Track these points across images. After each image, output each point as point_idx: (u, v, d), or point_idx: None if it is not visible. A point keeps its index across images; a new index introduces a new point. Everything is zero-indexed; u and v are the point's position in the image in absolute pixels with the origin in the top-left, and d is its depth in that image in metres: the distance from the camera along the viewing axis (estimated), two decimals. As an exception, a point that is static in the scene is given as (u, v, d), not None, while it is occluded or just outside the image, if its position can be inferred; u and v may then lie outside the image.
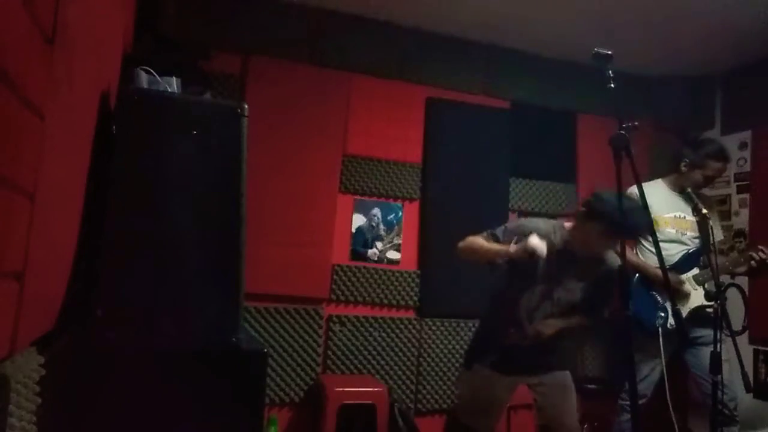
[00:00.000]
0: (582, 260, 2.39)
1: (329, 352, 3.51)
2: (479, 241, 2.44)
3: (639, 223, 2.06)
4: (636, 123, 1.80)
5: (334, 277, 3.55)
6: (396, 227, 3.75)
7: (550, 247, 2.25)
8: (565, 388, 2.53)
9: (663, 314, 3.02)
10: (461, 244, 2.48)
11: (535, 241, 2.18)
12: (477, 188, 3.86)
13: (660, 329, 2.95)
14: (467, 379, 2.66)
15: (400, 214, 3.77)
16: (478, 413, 2.63)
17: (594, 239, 2.29)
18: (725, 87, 4.23)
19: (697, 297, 3.05)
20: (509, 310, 2.46)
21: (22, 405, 1.03)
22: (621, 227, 1.90)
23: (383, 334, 3.61)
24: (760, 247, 2.97)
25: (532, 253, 2.17)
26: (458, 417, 2.71)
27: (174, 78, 1.83)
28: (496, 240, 2.44)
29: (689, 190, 2.99)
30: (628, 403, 3.04)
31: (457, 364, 3.69)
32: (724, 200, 4.06)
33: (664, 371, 2.92)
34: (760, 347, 3.72)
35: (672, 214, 3.17)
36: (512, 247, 2.26)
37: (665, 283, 1.93)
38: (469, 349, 2.82)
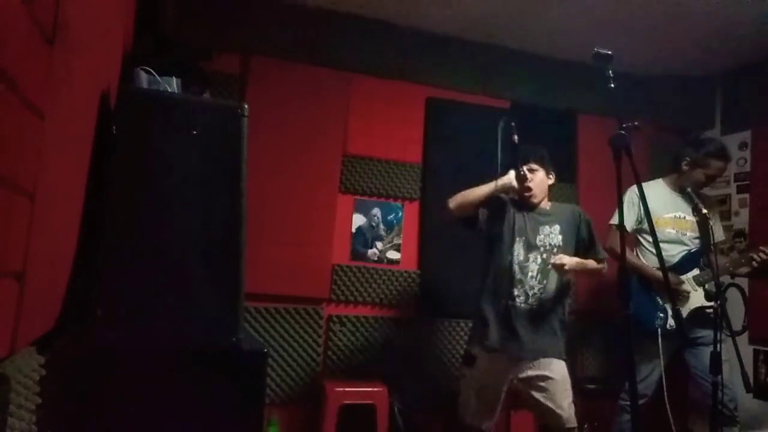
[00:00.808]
0: (543, 210, 2.71)
1: (329, 352, 3.51)
2: (467, 190, 2.68)
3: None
4: (636, 123, 1.80)
5: (334, 277, 3.56)
6: (396, 227, 3.75)
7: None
8: (563, 380, 2.55)
9: (662, 315, 3.02)
10: (451, 199, 2.70)
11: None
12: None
13: (659, 330, 2.95)
14: (470, 377, 2.65)
15: (400, 214, 3.77)
16: (483, 411, 2.62)
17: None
18: (725, 87, 4.23)
19: (697, 297, 3.05)
20: (504, 272, 2.60)
21: (22, 405, 1.03)
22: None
23: (383, 334, 3.61)
24: (761, 248, 2.97)
25: (522, 179, 2.62)
26: (461, 419, 2.69)
27: (174, 78, 1.83)
28: None
29: (690, 189, 2.98)
30: (628, 403, 3.04)
31: (457, 364, 3.69)
32: (724, 200, 4.06)
33: (663, 372, 2.92)
34: (760, 347, 3.72)
35: (672, 215, 3.17)
36: (500, 180, 2.62)
37: (665, 284, 1.93)
38: (469, 338, 2.82)
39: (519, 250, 2.62)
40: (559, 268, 2.51)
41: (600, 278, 2.98)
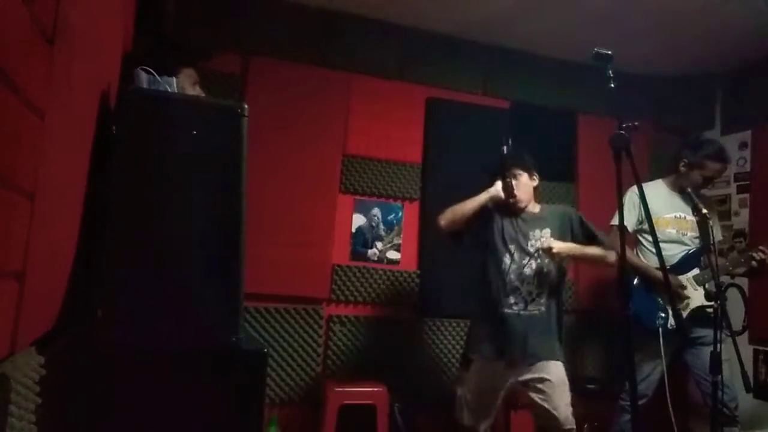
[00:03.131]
0: (531, 213, 2.71)
1: (329, 352, 3.51)
2: (457, 205, 2.67)
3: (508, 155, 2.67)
4: (636, 123, 1.80)
5: (334, 277, 3.55)
6: (396, 227, 3.75)
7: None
8: (560, 382, 2.57)
9: (663, 314, 3.02)
10: (441, 216, 2.69)
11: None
12: (477, 188, 3.84)
13: (660, 329, 2.95)
14: (467, 380, 2.68)
15: (400, 214, 3.77)
16: (481, 413, 2.64)
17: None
18: (725, 87, 4.23)
19: (697, 297, 3.05)
20: (499, 281, 2.61)
21: (22, 405, 1.03)
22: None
23: (383, 334, 3.60)
24: (761, 247, 2.97)
25: (509, 189, 2.62)
26: (460, 421, 2.70)
27: (174, 78, 1.83)
28: None
29: (689, 190, 2.98)
30: (628, 403, 3.04)
31: (457, 364, 3.69)
32: (724, 200, 4.07)
33: (665, 372, 2.92)
34: (760, 347, 3.72)
35: (672, 215, 3.17)
36: (488, 191, 2.65)
37: (665, 284, 1.93)
38: (467, 343, 2.86)
39: (514, 257, 2.63)
40: (547, 251, 2.53)
41: (607, 269, 2.85)
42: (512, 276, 2.61)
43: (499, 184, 2.66)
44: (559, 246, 2.53)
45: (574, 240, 2.66)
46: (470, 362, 2.66)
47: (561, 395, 2.54)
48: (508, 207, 2.69)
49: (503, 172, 2.66)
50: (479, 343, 2.66)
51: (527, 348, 2.56)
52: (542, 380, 2.55)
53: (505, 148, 2.66)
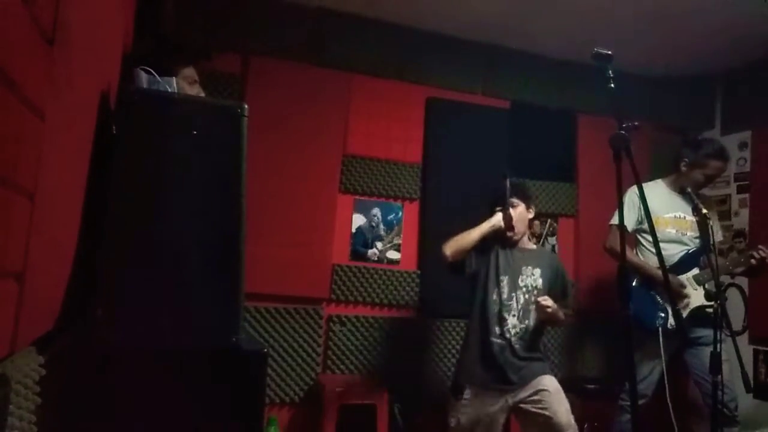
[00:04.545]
0: (525, 249, 2.77)
1: (329, 352, 3.51)
2: (461, 234, 2.65)
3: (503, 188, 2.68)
4: (636, 123, 1.80)
5: (334, 277, 3.56)
6: (396, 227, 3.75)
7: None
8: (556, 390, 2.57)
9: (663, 314, 3.02)
10: (446, 246, 2.70)
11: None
12: (477, 188, 3.85)
13: (660, 329, 2.95)
14: (461, 409, 2.64)
15: (400, 214, 3.77)
16: None
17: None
18: (725, 87, 4.23)
19: (697, 297, 3.05)
20: (489, 310, 2.64)
21: (22, 405, 1.03)
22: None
23: (383, 334, 3.61)
24: (760, 246, 2.98)
25: (509, 220, 2.66)
26: None
27: (174, 78, 1.83)
28: None
29: (689, 190, 2.99)
30: (628, 403, 3.04)
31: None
32: (724, 200, 4.07)
33: (665, 371, 2.92)
34: (760, 347, 3.73)
35: (672, 215, 3.17)
36: (490, 221, 2.68)
37: (665, 283, 1.93)
38: (457, 371, 2.85)
39: (504, 289, 2.67)
40: (543, 308, 2.54)
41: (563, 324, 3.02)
42: (500, 306, 2.64)
43: (500, 215, 2.69)
44: (552, 307, 2.54)
45: (554, 289, 2.72)
46: (462, 390, 2.64)
47: (560, 402, 2.54)
48: (505, 238, 2.72)
49: (503, 203, 2.69)
50: (471, 371, 2.66)
51: (519, 373, 2.59)
52: (538, 392, 2.56)
53: (506, 180, 2.69)
